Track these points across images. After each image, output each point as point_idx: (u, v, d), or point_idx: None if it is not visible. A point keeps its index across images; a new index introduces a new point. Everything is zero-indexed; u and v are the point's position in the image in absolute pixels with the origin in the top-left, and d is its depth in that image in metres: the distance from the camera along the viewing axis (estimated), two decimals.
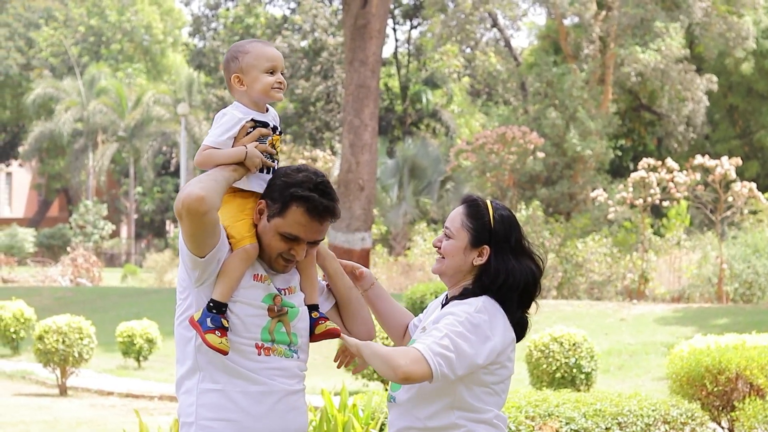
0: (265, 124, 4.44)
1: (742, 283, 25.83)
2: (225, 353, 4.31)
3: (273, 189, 4.40)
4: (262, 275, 4.41)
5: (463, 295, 4.38)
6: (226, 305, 4.33)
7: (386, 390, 4.56)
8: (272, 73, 4.45)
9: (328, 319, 4.57)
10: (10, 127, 74.28)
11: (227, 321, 4.32)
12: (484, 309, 4.28)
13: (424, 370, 4.11)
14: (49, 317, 18.51)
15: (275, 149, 4.48)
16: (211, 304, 4.32)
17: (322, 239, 4.48)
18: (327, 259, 4.63)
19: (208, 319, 4.30)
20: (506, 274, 4.36)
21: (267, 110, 4.52)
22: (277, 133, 4.51)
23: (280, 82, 4.45)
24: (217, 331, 4.29)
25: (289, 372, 4.42)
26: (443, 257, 4.48)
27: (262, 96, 4.45)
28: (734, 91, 45.87)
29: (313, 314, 4.53)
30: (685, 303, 25.56)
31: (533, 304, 4.49)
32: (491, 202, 4.50)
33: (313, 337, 4.53)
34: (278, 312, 4.41)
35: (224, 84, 53.16)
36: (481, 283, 4.39)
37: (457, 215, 4.49)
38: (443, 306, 4.49)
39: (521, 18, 46.06)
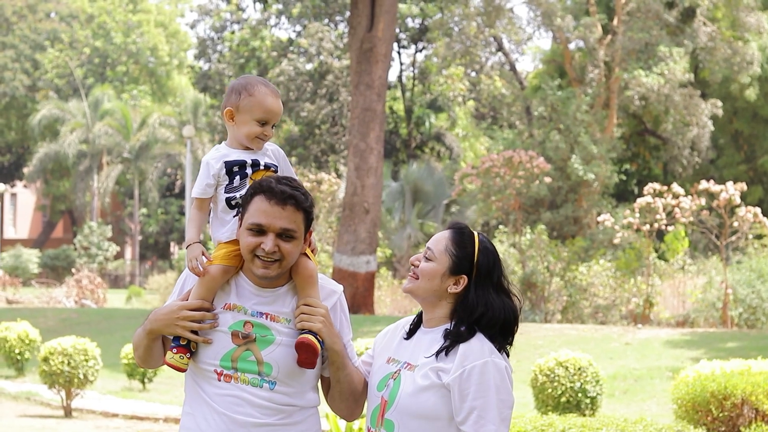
0: (241, 163, 4.51)
1: (747, 308, 25.81)
2: (182, 370, 4.41)
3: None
4: (233, 304, 4.41)
5: (453, 340, 4.31)
6: None
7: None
8: (263, 124, 4.52)
9: (311, 333, 4.39)
10: (15, 148, 74.45)
11: (187, 340, 4.39)
12: (497, 358, 4.28)
13: None
14: (54, 339, 18.49)
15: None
16: None
17: (293, 231, 4.35)
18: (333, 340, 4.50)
19: (173, 340, 4.43)
20: (485, 307, 4.33)
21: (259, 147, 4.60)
22: (262, 168, 4.54)
23: (265, 134, 4.54)
24: (174, 349, 4.39)
25: (253, 402, 4.35)
26: (417, 277, 4.44)
27: (244, 140, 4.53)
28: (739, 117, 45.89)
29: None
30: (689, 327, 25.52)
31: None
32: (478, 234, 4.46)
33: (297, 359, 4.38)
34: (244, 339, 4.37)
35: None
36: (459, 317, 4.36)
37: (442, 239, 4.44)
38: (409, 333, 4.51)
39: (526, 42, 46.13)
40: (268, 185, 4.33)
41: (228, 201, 4.49)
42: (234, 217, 4.47)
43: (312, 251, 4.53)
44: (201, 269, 4.39)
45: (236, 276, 4.46)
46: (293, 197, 4.32)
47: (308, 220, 4.42)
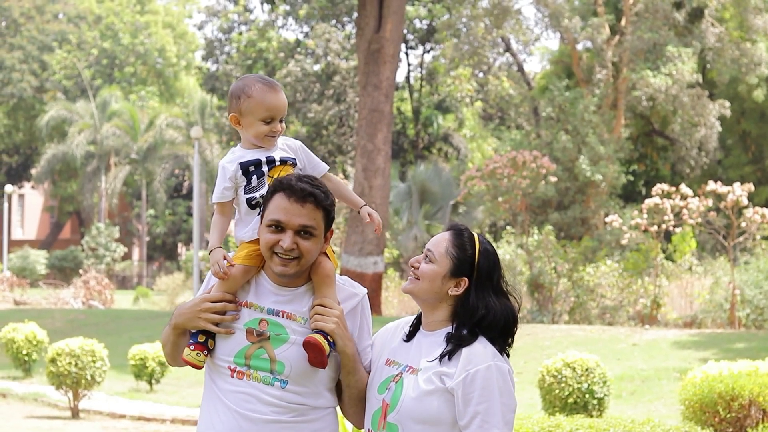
0: (256, 162, 4.52)
1: (754, 309, 25.78)
2: (198, 367, 4.43)
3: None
4: (250, 302, 4.42)
5: (456, 344, 4.28)
6: None
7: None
8: (269, 121, 4.53)
9: (320, 334, 4.37)
10: (23, 149, 74.53)
11: (205, 337, 4.41)
12: (500, 362, 4.27)
13: None
14: (62, 340, 18.50)
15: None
16: None
17: (312, 228, 4.36)
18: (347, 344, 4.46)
19: (191, 337, 4.45)
20: (486, 310, 4.31)
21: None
22: (278, 163, 4.54)
23: (274, 131, 4.55)
24: (191, 346, 4.41)
25: (263, 400, 4.35)
26: (418, 278, 4.40)
27: (255, 141, 4.55)
28: (747, 117, 45.83)
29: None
30: (697, 328, 25.50)
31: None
32: (478, 235, 4.43)
33: (308, 358, 4.36)
34: (258, 336, 4.37)
35: None
36: (460, 320, 4.34)
37: (442, 240, 4.41)
38: (408, 335, 4.47)
39: (534, 43, 46.13)
40: (288, 183, 4.34)
41: (248, 201, 4.52)
42: (257, 216, 4.48)
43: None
44: (224, 273, 4.42)
45: (257, 275, 4.48)
46: (313, 195, 4.33)
47: (328, 218, 4.42)
